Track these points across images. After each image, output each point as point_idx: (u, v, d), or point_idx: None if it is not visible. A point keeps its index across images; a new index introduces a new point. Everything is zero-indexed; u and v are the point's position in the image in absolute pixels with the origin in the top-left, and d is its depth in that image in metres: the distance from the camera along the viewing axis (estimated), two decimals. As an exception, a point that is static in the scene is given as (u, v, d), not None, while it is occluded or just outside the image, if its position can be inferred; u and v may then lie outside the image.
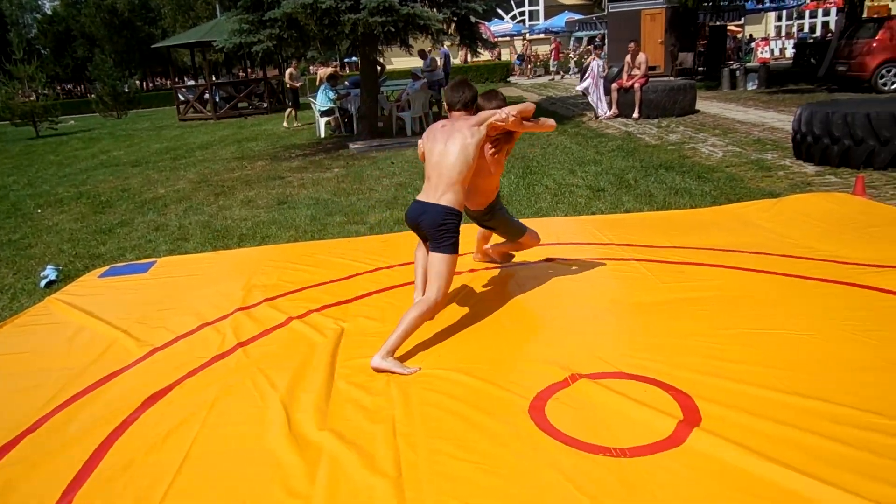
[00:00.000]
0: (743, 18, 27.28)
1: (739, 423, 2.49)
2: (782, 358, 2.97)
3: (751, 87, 16.96)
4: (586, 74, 13.14)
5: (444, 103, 3.63)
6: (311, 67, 21.99)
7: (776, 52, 29.18)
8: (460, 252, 3.45)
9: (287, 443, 2.62)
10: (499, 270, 4.47)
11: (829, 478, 2.14)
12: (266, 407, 2.92)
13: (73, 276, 5.24)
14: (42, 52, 39.73)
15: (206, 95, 21.47)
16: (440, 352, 3.33)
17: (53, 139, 19.14)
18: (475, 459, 2.42)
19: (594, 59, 13.52)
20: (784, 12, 32.48)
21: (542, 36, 32.95)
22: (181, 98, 22.53)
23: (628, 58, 12.81)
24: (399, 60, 24.96)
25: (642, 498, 2.15)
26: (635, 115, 12.60)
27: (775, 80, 17.68)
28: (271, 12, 10.09)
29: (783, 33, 33.36)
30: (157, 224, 6.95)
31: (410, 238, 5.36)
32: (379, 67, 13.31)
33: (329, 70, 15.73)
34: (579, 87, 13.85)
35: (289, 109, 16.25)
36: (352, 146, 11.33)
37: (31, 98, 21.18)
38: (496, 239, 4.30)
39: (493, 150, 3.66)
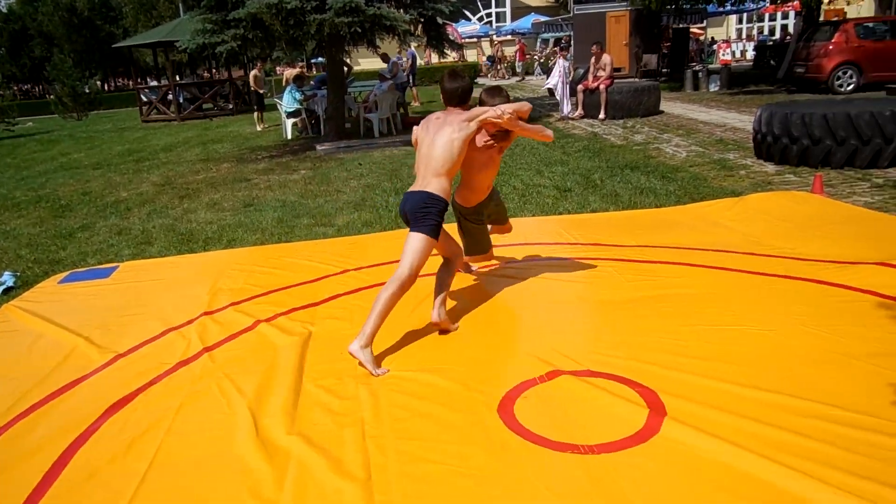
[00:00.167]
0: (705, 21, 27.84)
1: (704, 418, 2.54)
2: (744, 353, 3.03)
3: (713, 88, 17.29)
4: (552, 74, 13.25)
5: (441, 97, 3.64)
6: (277, 68, 21.80)
7: (737, 55, 29.79)
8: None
9: (254, 448, 2.59)
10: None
11: (793, 465, 2.20)
12: (233, 412, 2.88)
13: (31, 283, 5.11)
14: (-3, 51, 38.68)
15: (170, 96, 21.12)
16: (409, 353, 3.33)
17: (10, 141, 18.64)
18: (444, 460, 2.43)
19: (560, 58, 13.64)
20: (745, 15, 33.17)
21: (508, 37, 33.13)
22: (144, 99, 22.12)
23: (592, 60, 12.97)
24: (366, 61, 24.90)
25: (610, 494, 2.17)
26: (601, 115, 12.75)
27: (737, 81, 18.04)
28: (235, 12, 9.97)
29: (744, 36, 34.07)
30: (120, 228, 6.81)
31: (378, 240, 5.37)
32: (346, 68, 13.24)
33: (295, 71, 15.57)
34: (548, 85, 13.95)
35: (257, 112, 16.04)
36: (319, 148, 11.25)
37: (-13, 99, 20.58)
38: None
39: (488, 142, 3.63)
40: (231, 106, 21.58)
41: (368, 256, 4.91)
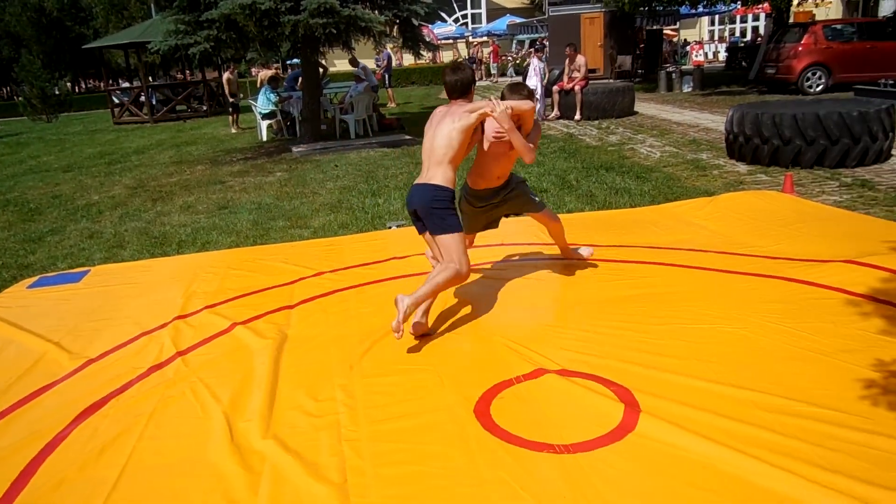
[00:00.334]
0: (678, 23, 28.19)
1: (679, 415, 2.56)
2: (717, 351, 3.07)
3: (686, 89, 17.51)
4: (528, 74, 13.32)
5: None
6: (252, 70, 21.60)
7: (710, 56, 30.21)
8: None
9: (229, 453, 2.56)
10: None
11: (767, 461, 2.23)
12: (207, 417, 2.85)
13: (-1, 288, 5.01)
14: (-37, 52, 37.79)
15: (143, 98, 20.83)
16: (386, 354, 3.32)
17: (-22, 144, 18.24)
18: (421, 462, 2.42)
19: (534, 57, 13.69)
20: (717, 17, 33.64)
21: (484, 39, 33.23)
22: (115, 101, 21.79)
23: (567, 61, 13.05)
24: (342, 62, 24.80)
25: (585, 493, 2.18)
26: (577, 116, 12.84)
27: (709, 82, 18.28)
28: (208, 13, 9.87)
29: (716, 37, 34.55)
30: (91, 231, 6.70)
31: (354, 242, 5.35)
32: (321, 69, 13.17)
33: (270, 72, 15.46)
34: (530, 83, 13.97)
35: (236, 114, 15.84)
36: (295, 149, 11.17)
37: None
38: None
39: (499, 135, 3.64)
40: (205, 108, 21.34)
41: (344, 258, 4.89)
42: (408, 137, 11.55)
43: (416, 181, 3.57)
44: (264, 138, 13.51)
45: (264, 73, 15.52)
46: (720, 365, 2.93)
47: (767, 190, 6.18)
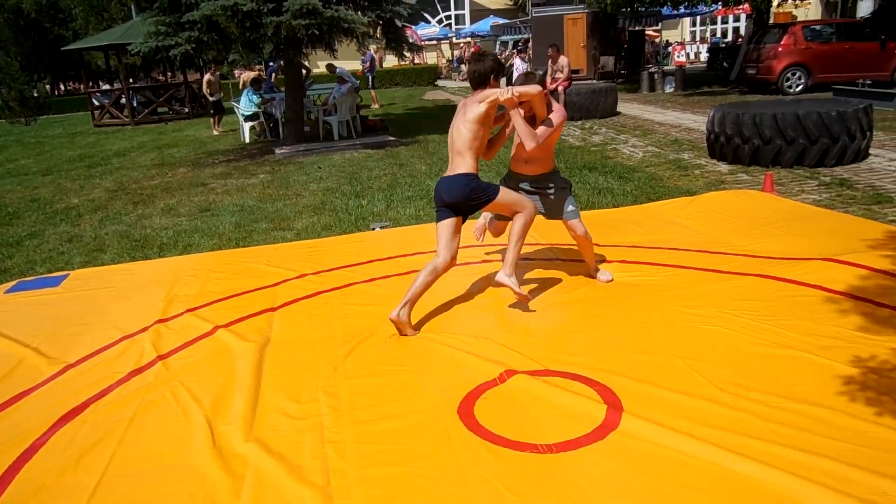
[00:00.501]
0: (660, 24, 28.39)
1: (661, 414, 2.58)
2: (698, 349, 3.09)
3: (668, 89, 17.64)
4: (512, 75, 13.34)
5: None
6: (235, 71, 21.40)
7: (691, 56, 30.46)
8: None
9: (211, 457, 2.54)
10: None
11: (749, 456, 2.25)
12: (188, 421, 2.82)
13: (-24, 293, 4.92)
14: (-61, 54, 37.22)
15: (123, 100, 20.61)
16: (369, 355, 3.31)
17: (-45, 147, 17.95)
18: (404, 463, 2.42)
19: (516, 58, 13.73)
20: (698, 18, 33.93)
21: (468, 40, 33.27)
22: (96, 103, 21.53)
23: (550, 62, 13.09)
24: (325, 64, 24.70)
25: (569, 492, 2.19)
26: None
27: (691, 82, 18.43)
28: (189, 14, 9.79)
29: (697, 38, 34.84)
30: (71, 235, 6.62)
31: (338, 243, 5.33)
32: (304, 71, 13.11)
33: (252, 74, 15.37)
34: None
35: (218, 116, 15.70)
36: (277, 151, 11.12)
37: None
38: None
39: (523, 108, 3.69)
40: (187, 110, 21.15)
41: (328, 260, 4.87)
42: (391, 139, 11.53)
43: (444, 175, 3.65)
44: (247, 140, 13.43)
45: (246, 75, 15.40)
46: (702, 363, 2.96)
47: (748, 189, 6.24)
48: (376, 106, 19.12)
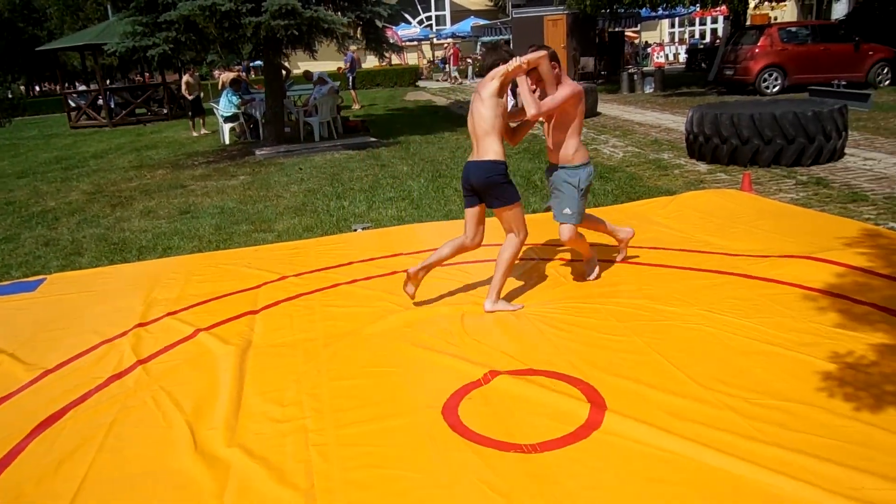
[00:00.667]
0: (639, 25, 28.62)
1: (644, 412, 2.60)
2: (681, 347, 3.12)
3: (648, 90, 17.78)
4: None
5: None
6: (214, 72, 21.20)
7: (670, 57, 30.74)
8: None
9: (192, 462, 2.51)
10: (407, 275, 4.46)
11: (732, 453, 2.27)
12: (169, 426, 2.79)
13: (-50, 298, 4.83)
14: None
15: (100, 101, 20.34)
16: (352, 357, 3.30)
17: (-74, 150, 17.60)
18: (388, 465, 2.41)
19: None
20: (676, 19, 34.24)
21: (449, 40, 33.29)
22: (72, 104, 21.23)
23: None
24: (306, 65, 24.61)
25: (553, 491, 2.20)
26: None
27: (670, 83, 18.60)
28: (167, 14, 9.69)
29: (676, 39, 35.16)
30: (47, 239, 6.52)
31: (319, 245, 5.30)
32: (284, 72, 13.03)
33: (232, 75, 15.25)
34: None
35: (197, 118, 15.52)
36: (258, 152, 11.04)
37: None
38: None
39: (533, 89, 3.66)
40: (166, 111, 20.93)
41: (309, 262, 4.84)
42: (373, 139, 11.50)
43: (469, 159, 3.70)
44: (227, 141, 13.32)
45: (226, 76, 15.29)
46: (684, 361, 2.98)
47: (727, 188, 6.31)
48: (357, 107, 19.07)
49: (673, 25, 36.22)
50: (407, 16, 34.00)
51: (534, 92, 3.64)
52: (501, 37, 28.04)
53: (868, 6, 16.44)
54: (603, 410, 2.63)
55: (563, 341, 3.29)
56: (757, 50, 14.60)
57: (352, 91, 19.55)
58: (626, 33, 26.74)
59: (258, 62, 21.58)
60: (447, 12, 36.27)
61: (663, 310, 3.55)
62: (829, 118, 7.02)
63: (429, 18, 36.40)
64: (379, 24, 11.71)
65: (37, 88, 41.19)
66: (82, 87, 25.70)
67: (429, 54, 35.43)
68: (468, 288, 4.12)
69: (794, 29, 15.63)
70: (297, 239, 5.70)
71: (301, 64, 24.47)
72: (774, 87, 14.52)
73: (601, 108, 14.04)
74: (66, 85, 27.63)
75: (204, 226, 6.47)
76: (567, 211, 3.80)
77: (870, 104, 11.05)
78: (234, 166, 10.21)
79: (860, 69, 14.30)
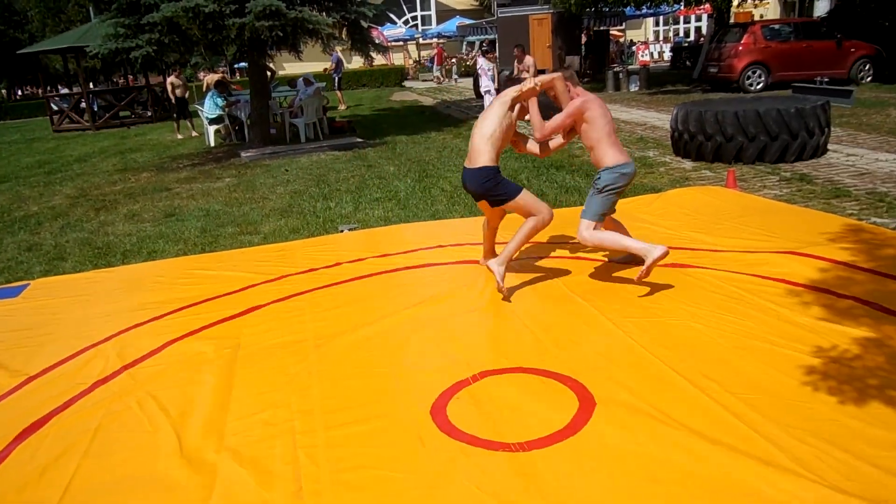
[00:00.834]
0: (624, 24, 28.75)
1: (632, 408, 2.61)
2: (668, 343, 3.13)
3: (633, 88, 17.86)
4: (479, 75, 13.36)
5: None
6: (199, 74, 21.03)
7: (655, 56, 30.92)
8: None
9: (178, 466, 2.50)
10: (394, 275, 4.46)
11: (720, 448, 2.28)
12: (155, 431, 2.77)
13: (-69, 305, 4.76)
14: None
15: (83, 104, 20.16)
16: (340, 358, 3.28)
17: None
18: (376, 466, 2.40)
19: (480, 58, 13.76)
20: (661, 18, 34.44)
21: (435, 40, 33.28)
22: (54, 107, 21.02)
23: (516, 62, 13.17)
24: (291, 66, 24.52)
25: (542, 489, 2.20)
26: (526, 116, 12.92)
27: (655, 81, 18.68)
28: (149, 16, 9.61)
29: (661, 38, 35.37)
30: (30, 244, 6.45)
31: (306, 246, 5.28)
32: (269, 73, 12.97)
33: (216, 76, 15.14)
34: (483, 89, 14.01)
35: (182, 120, 15.38)
36: (243, 154, 10.98)
37: None
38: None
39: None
40: (150, 113, 20.78)
41: (297, 263, 4.82)
42: (359, 140, 11.48)
43: (465, 163, 3.92)
44: (212, 143, 13.24)
45: (210, 77, 15.16)
46: (671, 357, 2.99)
47: (712, 185, 6.34)
48: (343, 107, 19.02)
49: (657, 24, 36.43)
50: (392, 16, 33.93)
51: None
52: (487, 36, 28.09)
53: (849, 3, 16.58)
54: (591, 408, 2.64)
55: (550, 339, 3.30)
56: (741, 48, 14.70)
57: (337, 92, 19.50)
58: (611, 32, 26.84)
59: (243, 63, 21.48)
60: (433, 12, 36.26)
61: (650, 307, 3.57)
62: (812, 115, 7.08)
63: (414, 18, 36.37)
64: (364, 24, 11.69)
65: (18, 92, 40.78)
66: (65, 91, 25.49)
67: (415, 54, 35.40)
68: (456, 289, 4.11)
69: (777, 26, 15.75)
70: (284, 241, 5.68)
71: (287, 65, 24.41)
72: (758, 84, 14.63)
73: (587, 106, 14.04)
74: (49, 88, 27.40)
75: (189, 229, 6.42)
76: (585, 207, 3.87)
77: (852, 100, 11.15)
78: (220, 168, 10.15)
79: (842, 66, 14.43)
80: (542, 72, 16.39)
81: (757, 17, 24.53)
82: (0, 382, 3.34)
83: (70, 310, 4.32)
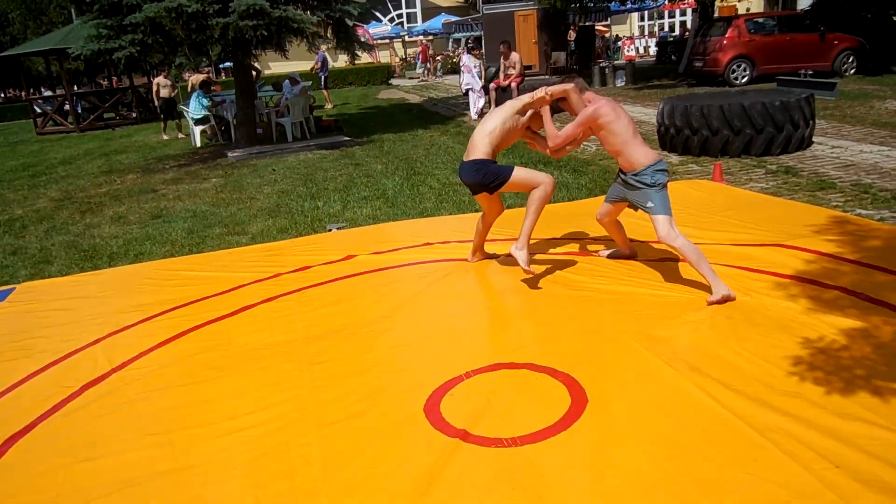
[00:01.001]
0: (609, 19, 28.80)
1: (624, 402, 2.63)
2: (657, 336, 3.15)
3: (619, 83, 17.90)
4: (463, 72, 13.33)
5: None
6: (184, 74, 20.88)
7: (641, 51, 31.01)
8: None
9: (171, 469, 2.48)
10: (384, 273, 4.45)
11: (711, 443, 2.30)
12: (146, 434, 2.75)
13: (-85, 311, 4.71)
14: None
15: (67, 106, 19.95)
16: (332, 356, 3.28)
17: None
18: (371, 464, 2.40)
19: (464, 55, 13.74)
20: (646, 13, 34.54)
21: (420, 38, 33.22)
22: (38, 110, 20.79)
23: (502, 59, 13.16)
24: (277, 65, 24.39)
25: (534, 484, 2.21)
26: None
27: (641, 76, 18.74)
28: (132, 16, 9.52)
29: (646, 32, 35.48)
30: (15, 247, 6.38)
31: (295, 245, 5.26)
32: (255, 72, 12.90)
33: (202, 76, 15.03)
34: (464, 86, 14.00)
35: (170, 121, 15.25)
36: (230, 154, 10.92)
37: None
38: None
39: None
40: (135, 115, 20.60)
41: (285, 263, 4.80)
42: (346, 139, 11.44)
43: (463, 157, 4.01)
44: (198, 144, 13.16)
45: (195, 78, 15.06)
46: (661, 350, 3.01)
47: (698, 179, 6.38)
48: (330, 106, 18.95)
49: (642, 19, 36.52)
50: (378, 14, 33.80)
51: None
52: (472, 33, 28.07)
53: (832, -4, 16.71)
54: (583, 403, 2.65)
55: (542, 334, 3.31)
56: (725, 41, 14.78)
57: (324, 90, 19.42)
58: (597, 27, 26.89)
59: (228, 63, 21.35)
60: (418, 9, 36.19)
61: (640, 299, 3.59)
62: (796, 108, 7.13)
63: (400, 16, 36.29)
64: (349, 22, 11.65)
65: (1, 95, 40.35)
66: (48, 93, 25.22)
67: (401, 52, 35.31)
68: (448, 284, 4.11)
69: (760, 20, 15.84)
70: (272, 241, 5.65)
71: (273, 64, 24.27)
72: (743, 77, 14.71)
73: (574, 102, 14.07)
74: (32, 91, 27.10)
75: (176, 230, 6.38)
76: (650, 204, 3.70)
77: (836, 93, 11.24)
78: (206, 169, 10.09)
79: (826, 58, 14.54)
80: (528, 68, 16.44)
81: (742, 11, 24.65)
82: (-13, 388, 3.31)
83: (57, 313, 4.29)
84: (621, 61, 22.51)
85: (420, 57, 29.65)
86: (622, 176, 3.86)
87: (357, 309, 3.86)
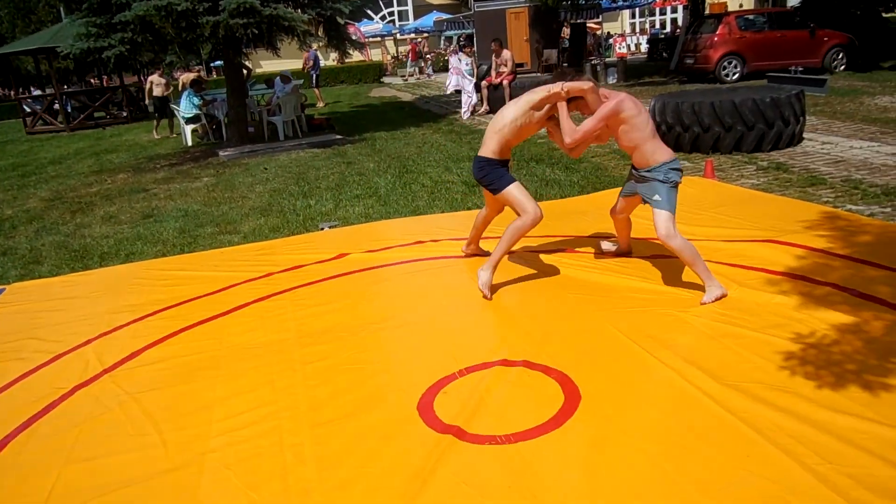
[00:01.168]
0: (600, 16, 28.82)
1: (617, 399, 2.63)
2: (650, 333, 3.16)
3: (611, 80, 17.94)
4: (451, 73, 13.32)
5: None
6: (175, 73, 20.75)
7: (632, 48, 31.04)
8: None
9: (164, 470, 2.47)
10: (376, 271, 4.45)
11: (705, 439, 2.31)
12: (138, 434, 2.74)
13: None
14: None
15: (57, 106, 19.82)
16: (326, 356, 3.27)
17: None
18: (364, 463, 2.40)
19: (453, 55, 13.73)
20: (637, 10, 34.60)
21: (412, 35, 33.16)
22: (27, 109, 20.65)
23: (493, 56, 13.16)
24: (268, 63, 24.30)
25: (528, 482, 2.21)
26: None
27: (633, 73, 18.79)
28: (121, 15, 9.46)
29: (637, 30, 35.54)
30: (4, 248, 6.34)
31: (287, 244, 5.25)
32: (246, 71, 12.85)
33: (192, 75, 14.97)
34: (450, 88, 13.99)
35: (163, 119, 15.16)
36: (221, 153, 10.88)
37: None
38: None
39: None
40: (125, 114, 20.47)
41: (278, 262, 4.79)
42: (338, 137, 11.42)
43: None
44: (189, 143, 13.10)
45: (186, 76, 14.99)
46: (655, 346, 3.02)
47: (690, 176, 6.39)
48: (321, 104, 18.90)
49: (634, 16, 36.58)
50: (369, 11, 33.75)
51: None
52: (464, 31, 28.04)
53: (822, -7, 16.78)
54: (577, 400, 2.65)
55: (535, 332, 3.31)
56: (716, 38, 14.82)
57: (315, 89, 19.37)
58: (588, 24, 26.90)
59: (219, 62, 21.27)
60: (409, 7, 36.12)
61: (633, 297, 3.60)
62: (787, 104, 7.16)
63: (391, 14, 36.21)
64: (340, 20, 11.61)
65: (-11, 94, 40.02)
66: (37, 92, 25.05)
67: (392, 50, 35.24)
68: (439, 284, 4.11)
69: (751, 17, 15.89)
70: (264, 240, 5.64)
71: (264, 63, 24.20)
72: (734, 74, 14.76)
73: (565, 99, 14.08)
74: (21, 90, 26.91)
75: (168, 229, 6.36)
76: (657, 197, 3.67)
77: (826, 89, 11.30)
78: (198, 168, 10.04)
79: (816, 55, 14.60)
80: (519, 66, 16.43)
81: (733, 8, 24.73)
82: (-23, 390, 3.29)
83: (47, 314, 4.26)
84: (613, 58, 22.55)
85: (410, 55, 29.59)
86: (634, 171, 3.85)
87: (349, 308, 3.85)
